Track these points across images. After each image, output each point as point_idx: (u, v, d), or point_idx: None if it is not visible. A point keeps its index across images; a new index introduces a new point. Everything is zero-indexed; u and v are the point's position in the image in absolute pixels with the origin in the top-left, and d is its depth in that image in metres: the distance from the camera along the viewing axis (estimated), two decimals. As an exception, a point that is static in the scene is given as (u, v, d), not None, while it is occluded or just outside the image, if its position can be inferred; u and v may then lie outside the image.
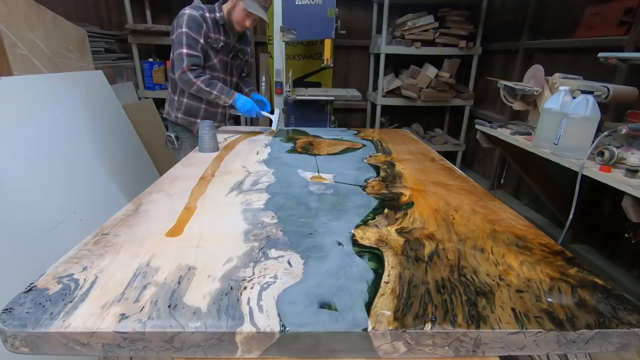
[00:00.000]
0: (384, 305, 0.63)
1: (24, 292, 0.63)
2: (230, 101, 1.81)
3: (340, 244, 0.83)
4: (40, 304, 0.61)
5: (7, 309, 0.59)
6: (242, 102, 1.84)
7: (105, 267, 0.72)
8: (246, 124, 3.76)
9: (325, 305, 0.63)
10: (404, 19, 3.48)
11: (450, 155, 3.77)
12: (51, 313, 0.59)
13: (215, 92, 1.79)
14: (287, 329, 0.58)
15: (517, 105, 2.04)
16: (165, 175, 1.29)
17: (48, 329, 0.56)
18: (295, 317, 0.60)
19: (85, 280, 0.67)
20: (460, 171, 1.41)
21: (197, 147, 1.63)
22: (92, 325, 0.57)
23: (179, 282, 0.68)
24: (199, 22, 1.77)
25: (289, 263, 0.75)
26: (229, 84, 2.05)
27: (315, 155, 1.56)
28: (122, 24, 3.67)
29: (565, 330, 0.60)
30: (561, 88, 1.65)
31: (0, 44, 2.03)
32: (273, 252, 0.79)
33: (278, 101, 2.90)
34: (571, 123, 1.52)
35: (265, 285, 0.67)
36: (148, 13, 3.75)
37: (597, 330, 0.60)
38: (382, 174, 1.33)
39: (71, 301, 0.61)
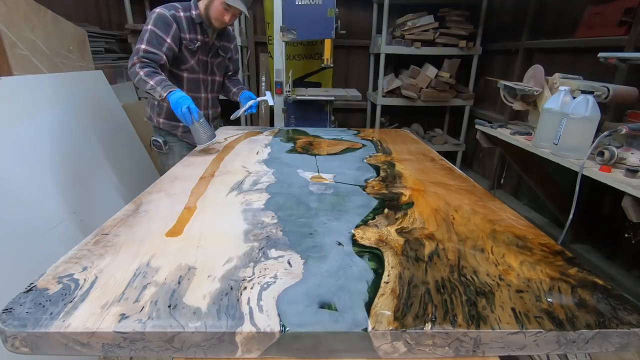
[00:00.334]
0: (384, 305, 0.63)
1: (24, 292, 0.63)
2: (165, 94, 1.52)
3: (340, 244, 0.83)
4: (40, 304, 0.61)
5: (7, 309, 0.59)
6: (176, 98, 1.50)
7: (105, 267, 0.72)
8: (246, 124, 3.76)
9: (325, 305, 0.63)
10: (404, 19, 3.48)
11: (450, 155, 3.77)
12: (51, 313, 0.59)
13: (151, 83, 1.55)
14: (287, 329, 0.58)
15: (517, 105, 2.04)
16: (165, 175, 1.29)
17: (48, 329, 0.56)
18: (295, 317, 0.60)
19: (85, 280, 0.67)
20: (460, 171, 1.41)
21: (192, 150, 1.61)
22: (92, 325, 0.57)
23: (179, 282, 0.67)
24: (167, 21, 1.66)
25: (289, 263, 0.75)
26: (211, 84, 1.94)
27: (315, 155, 1.56)
28: (122, 24, 3.67)
29: (565, 330, 0.60)
30: (561, 88, 1.65)
31: (0, 44, 2.03)
32: (273, 252, 0.79)
33: (278, 101, 2.90)
34: (571, 123, 1.52)
35: (265, 285, 0.67)
36: (148, 13, 3.75)
37: (597, 330, 0.60)
38: (382, 174, 1.33)
39: (71, 301, 0.61)
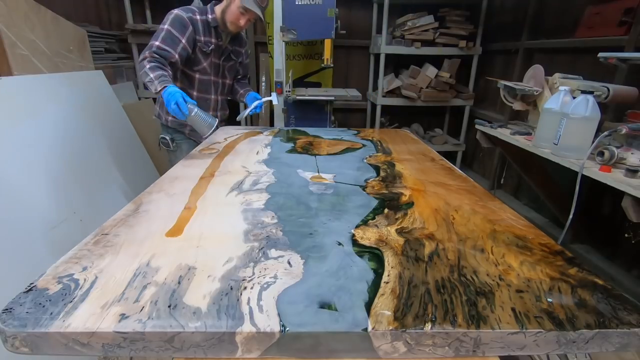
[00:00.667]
0: (384, 305, 0.63)
1: (24, 292, 0.63)
2: (160, 88, 1.56)
3: (340, 244, 0.83)
4: (40, 304, 0.61)
5: (7, 309, 0.59)
6: (167, 94, 1.54)
7: (105, 267, 0.72)
8: (246, 124, 3.76)
9: (325, 305, 0.63)
10: (404, 19, 3.48)
11: (450, 155, 3.77)
12: (51, 313, 0.59)
13: (151, 75, 1.59)
14: (287, 329, 0.58)
15: (517, 105, 2.04)
16: (165, 175, 1.29)
17: (48, 329, 0.56)
18: (295, 317, 0.60)
19: (85, 280, 0.67)
20: (460, 171, 1.41)
21: (196, 148, 1.62)
22: (92, 325, 0.57)
23: (179, 282, 0.67)
24: (183, 22, 1.73)
25: (289, 263, 0.75)
26: (222, 86, 2.02)
27: (315, 155, 1.56)
28: (122, 24, 3.67)
29: (565, 330, 0.60)
30: (561, 88, 1.65)
31: (0, 44, 2.03)
32: (273, 252, 0.79)
33: (278, 101, 2.90)
34: (571, 123, 1.52)
35: (265, 285, 0.67)
36: (148, 13, 3.76)
37: (597, 330, 0.60)
38: (382, 174, 1.33)
39: (71, 301, 0.61)
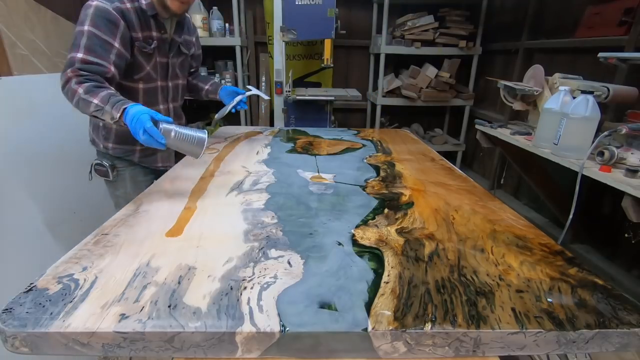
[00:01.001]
0: (384, 305, 0.63)
1: (24, 292, 0.63)
2: (118, 115, 1.11)
3: (340, 244, 0.83)
4: (40, 304, 0.61)
5: (7, 309, 0.59)
6: (131, 119, 1.08)
7: (105, 267, 0.72)
8: (246, 124, 3.76)
9: (325, 305, 0.63)
10: (404, 19, 3.48)
11: (450, 155, 3.77)
12: (51, 313, 0.59)
13: (95, 102, 1.13)
14: (287, 329, 0.58)
15: (517, 105, 2.04)
16: (165, 175, 1.29)
17: (48, 329, 0.56)
18: (295, 317, 0.60)
19: (85, 280, 0.67)
20: (460, 171, 1.41)
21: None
22: (92, 325, 0.57)
23: (179, 282, 0.68)
24: (111, 18, 1.21)
25: (289, 263, 0.75)
26: (173, 91, 1.53)
27: (315, 155, 1.56)
28: (122, 24, 3.66)
29: (565, 330, 0.60)
30: (561, 88, 1.65)
31: (0, 44, 2.03)
32: (273, 252, 0.79)
33: (278, 101, 2.90)
34: (571, 123, 1.52)
35: (265, 285, 0.67)
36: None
37: (597, 330, 0.60)
38: (382, 174, 1.33)
39: (71, 301, 0.61)
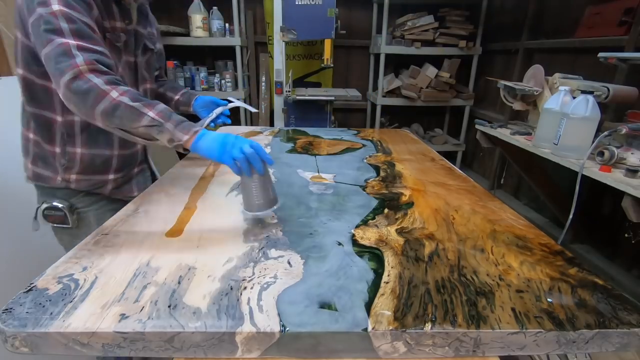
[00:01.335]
0: (384, 305, 0.63)
1: (24, 292, 0.63)
2: (187, 137, 0.86)
3: (340, 244, 0.83)
4: (40, 304, 0.61)
5: (7, 309, 0.59)
6: (207, 142, 0.88)
7: (105, 267, 0.72)
8: (246, 124, 3.76)
9: (325, 305, 0.63)
10: (404, 19, 3.48)
11: (450, 155, 3.77)
12: (51, 313, 0.59)
13: (151, 115, 0.84)
14: (287, 329, 0.58)
15: (517, 105, 2.04)
16: (165, 175, 1.29)
17: (48, 329, 0.56)
18: (295, 317, 0.60)
19: (85, 280, 0.67)
20: (460, 171, 1.41)
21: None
22: (92, 325, 0.57)
23: (179, 282, 0.68)
24: None
25: (289, 263, 0.75)
26: (144, 95, 1.05)
27: (315, 155, 1.56)
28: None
29: (565, 330, 0.60)
30: (561, 88, 1.65)
31: (0, 44, 2.03)
32: (273, 252, 0.79)
33: (278, 101, 2.90)
34: (571, 123, 1.52)
35: (265, 285, 0.67)
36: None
37: (597, 330, 0.60)
38: (382, 174, 1.33)
39: (71, 301, 0.61)
